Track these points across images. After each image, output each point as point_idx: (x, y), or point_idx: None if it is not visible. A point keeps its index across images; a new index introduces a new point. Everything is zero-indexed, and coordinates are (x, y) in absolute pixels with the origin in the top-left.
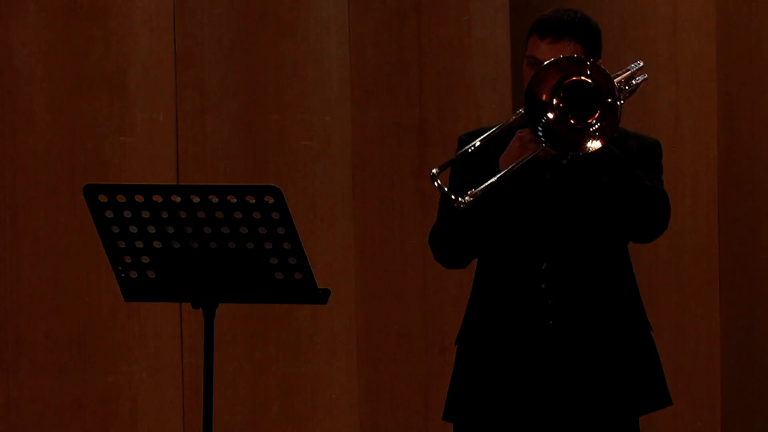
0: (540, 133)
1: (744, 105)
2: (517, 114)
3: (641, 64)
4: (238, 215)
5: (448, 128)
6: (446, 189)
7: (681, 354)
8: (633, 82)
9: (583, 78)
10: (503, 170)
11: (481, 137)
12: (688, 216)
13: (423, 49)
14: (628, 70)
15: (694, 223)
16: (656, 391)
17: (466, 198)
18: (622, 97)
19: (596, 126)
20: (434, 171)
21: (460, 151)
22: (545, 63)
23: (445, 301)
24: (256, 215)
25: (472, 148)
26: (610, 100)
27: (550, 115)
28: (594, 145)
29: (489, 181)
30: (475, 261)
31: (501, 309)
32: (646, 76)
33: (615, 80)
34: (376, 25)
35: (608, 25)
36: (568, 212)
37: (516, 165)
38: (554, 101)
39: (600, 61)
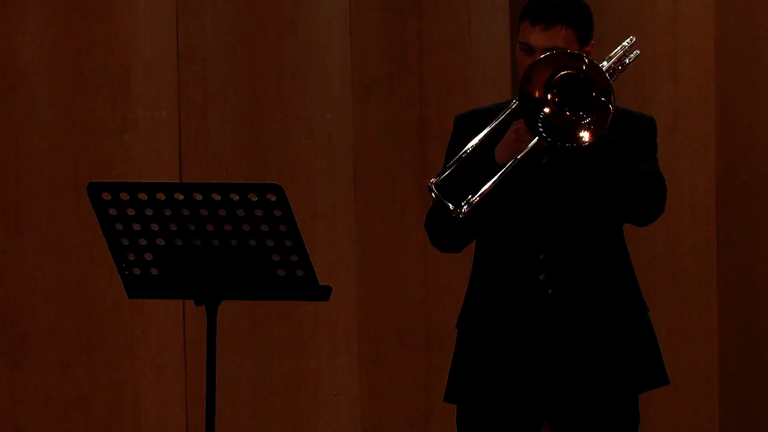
0: (540, 128)
1: (742, 103)
2: (515, 102)
3: (634, 39)
4: (240, 213)
5: (449, 126)
6: (444, 200)
7: (679, 349)
8: (626, 61)
9: (574, 70)
10: (500, 163)
11: (477, 137)
12: (686, 213)
13: (424, 48)
14: (621, 49)
15: (692, 219)
16: (654, 370)
17: (464, 208)
18: (614, 77)
19: (592, 117)
20: (432, 181)
21: (453, 160)
22: (534, 61)
23: (445, 297)
24: (259, 213)
25: (466, 153)
26: (603, 91)
27: (546, 110)
28: (590, 136)
29: (486, 186)
30: (473, 244)
31: (500, 297)
32: (639, 52)
33: (609, 61)
34: (378, 24)
35: (607, 22)
36: (565, 198)
37: (514, 161)
38: (548, 96)
39: (592, 42)
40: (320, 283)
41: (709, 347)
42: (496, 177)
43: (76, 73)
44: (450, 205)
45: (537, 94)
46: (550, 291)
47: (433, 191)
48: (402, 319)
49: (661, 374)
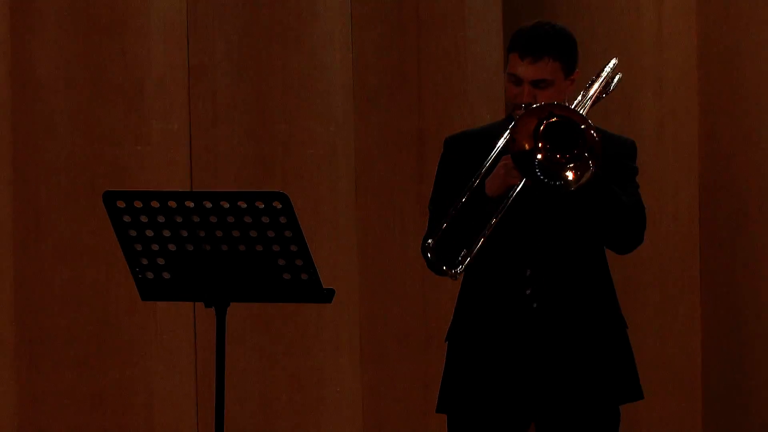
0: (537, 173)
1: (723, 115)
2: (506, 135)
3: (616, 62)
4: (247, 220)
5: (446, 135)
6: (439, 263)
7: (664, 350)
8: (610, 88)
9: (555, 118)
10: (490, 195)
11: (469, 191)
12: (670, 220)
13: (422, 61)
14: (605, 75)
15: (676, 226)
16: (630, 384)
17: (459, 269)
18: (597, 102)
19: (581, 159)
20: (428, 243)
21: (445, 219)
22: (512, 124)
23: (443, 299)
24: (265, 220)
25: (458, 207)
26: (586, 136)
27: (539, 156)
28: (580, 178)
29: (479, 240)
30: None
31: (488, 310)
32: (621, 75)
33: (592, 90)
34: (378, 39)
35: (596, 39)
36: (551, 220)
37: (504, 206)
38: (539, 144)
39: (577, 70)
40: (324, 286)
41: (692, 348)
42: (487, 226)
43: (92, 87)
44: (444, 266)
45: (527, 147)
46: (535, 305)
47: (429, 254)
48: (402, 320)
49: (635, 389)
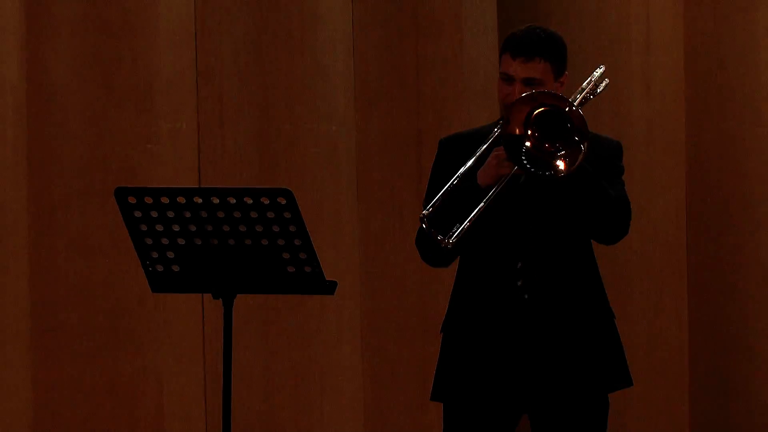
0: (524, 160)
1: (709, 115)
2: (497, 130)
3: (603, 68)
4: (253, 215)
5: (443, 135)
6: (434, 232)
7: (652, 339)
8: (598, 90)
9: (547, 107)
10: (482, 186)
11: (463, 168)
12: (659, 215)
13: (420, 65)
14: (592, 80)
15: (665, 221)
16: (619, 372)
17: (452, 239)
18: (585, 104)
19: (569, 149)
20: (424, 213)
21: (441, 192)
22: (509, 104)
23: (440, 292)
24: (270, 215)
25: (452, 185)
26: (577, 123)
27: (528, 144)
28: (567, 166)
29: (471, 216)
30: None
31: (481, 302)
32: (608, 81)
33: (581, 93)
34: (378, 43)
35: (587, 42)
36: (541, 215)
37: (496, 189)
38: (528, 132)
39: (566, 72)
40: (326, 279)
41: (680, 339)
42: (479, 206)
43: (104, 88)
44: (439, 236)
45: (518, 131)
46: (526, 296)
47: (425, 223)
48: (401, 312)
49: (625, 376)
